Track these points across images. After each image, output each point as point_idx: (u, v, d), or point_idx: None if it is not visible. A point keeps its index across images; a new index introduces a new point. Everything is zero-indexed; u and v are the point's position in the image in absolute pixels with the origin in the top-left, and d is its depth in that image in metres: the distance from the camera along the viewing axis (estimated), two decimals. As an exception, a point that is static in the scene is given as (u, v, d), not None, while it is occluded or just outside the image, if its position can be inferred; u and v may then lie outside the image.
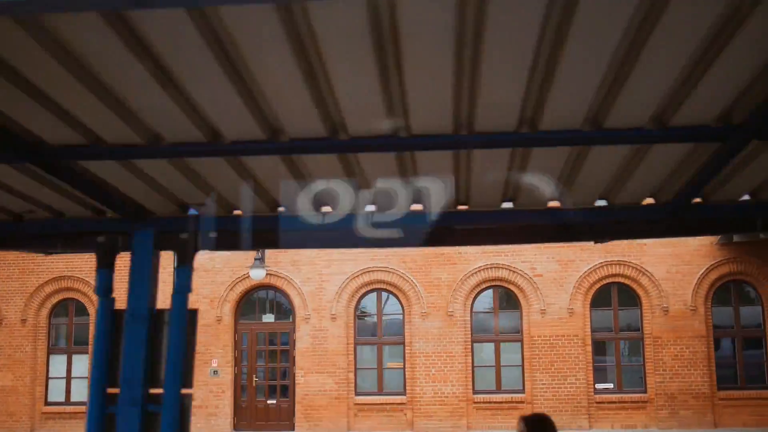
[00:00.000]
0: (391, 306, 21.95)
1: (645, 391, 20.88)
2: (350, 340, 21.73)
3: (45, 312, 22.64)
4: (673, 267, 21.02)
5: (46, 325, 22.65)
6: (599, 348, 21.46)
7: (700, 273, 20.99)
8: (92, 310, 22.31)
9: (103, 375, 5.06)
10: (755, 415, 20.46)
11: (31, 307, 22.49)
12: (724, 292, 21.31)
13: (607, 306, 21.55)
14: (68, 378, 22.49)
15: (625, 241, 20.42)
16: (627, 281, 21.32)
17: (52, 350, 22.70)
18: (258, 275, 21.26)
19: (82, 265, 22.04)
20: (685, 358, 20.81)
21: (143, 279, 4.82)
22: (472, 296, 21.56)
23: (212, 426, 21.48)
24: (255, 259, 21.20)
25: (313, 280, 21.83)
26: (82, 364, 22.22)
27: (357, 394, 21.57)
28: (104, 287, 4.96)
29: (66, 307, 22.82)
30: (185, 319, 4.94)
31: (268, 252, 21.42)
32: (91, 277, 21.09)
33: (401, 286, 21.62)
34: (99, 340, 4.95)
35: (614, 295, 21.52)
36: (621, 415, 20.89)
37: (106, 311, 4.97)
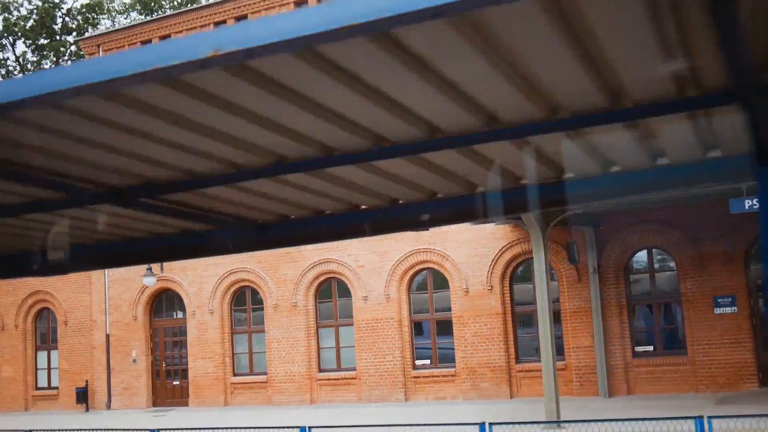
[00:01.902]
0: (257, 300, 25.85)
1: (454, 366, 22.86)
2: (226, 330, 26.01)
3: (30, 318, 29.49)
4: (472, 250, 22.68)
5: (32, 329, 29.50)
6: (418, 328, 23.72)
7: (494, 255, 22.46)
8: (59, 316, 28.73)
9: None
10: (563, 384, 21.62)
11: (20, 315, 29.43)
12: (525, 271, 22.54)
13: (424, 290, 23.72)
14: (49, 369, 29.15)
15: (432, 230, 22.48)
16: (436, 266, 23.34)
17: (38, 348, 29.51)
18: (150, 282, 26.22)
19: (54, 282, 28.34)
20: (483, 334, 22.48)
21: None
22: (314, 288, 24.81)
23: (135, 402, 26.93)
24: (146, 269, 26.16)
25: (196, 282, 26.38)
26: (54, 358, 28.77)
27: (234, 375, 25.83)
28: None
29: (44, 314, 29.49)
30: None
31: (155, 265, 26.27)
32: (57, 291, 27.43)
33: (258, 282, 25.47)
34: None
35: (429, 280, 23.63)
36: (435, 388, 23.09)
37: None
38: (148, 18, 40.33)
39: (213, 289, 26.05)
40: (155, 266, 26.22)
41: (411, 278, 23.74)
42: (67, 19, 52.35)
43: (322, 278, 24.78)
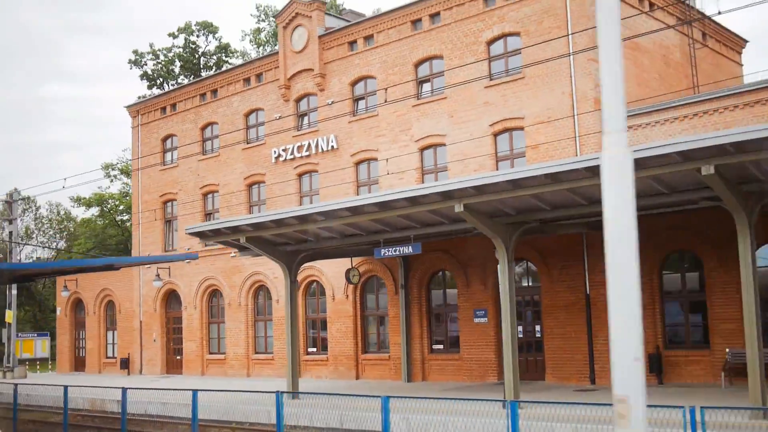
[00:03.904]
0: (220, 299, 35.25)
1: (327, 354, 30.83)
2: (204, 321, 35.76)
3: (102, 307, 41.17)
4: (336, 268, 30.31)
5: (104, 315, 41.18)
6: (311, 324, 31.87)
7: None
8: (116, 306, 40.07)
9: None
10: (387, 371, 28.96)
11: (96, 305, 41.21)
12: (370, 285, 29.93)
13: (314, 296, 31.80)
14: (113, 343, 40.66)
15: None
16: (318, 279, 31.27)
17: (107, 329, 41.17)
18: (157, 284, 36.61)
19: (115, 281, 39.64)
20: (342, 331, 30.25)
21: None
22: (252, 291, 33.73)
23: (154, 370, 37.58)
24: (156, 275, 36.52)
25: (187, 285, 36.35)
26: (115, 336, 40.22)
27: (209, 353, 35.55)
28: None
29: (110, 305, 41.00)
30: None
31: (163, 271, 36.56)
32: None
33: (220, 286, 34.87)
34: None
35: (317, 289, 31.62)
36: (316, 369, 31.20)
37: None
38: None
39: (195, 290, 35.89)
40: (163, 272, 36.59)
41: (306, 287, 31.91)
42: (203, 59, 64.76)
43: (256, 285, 33.65)
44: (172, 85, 61.52)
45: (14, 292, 41.15)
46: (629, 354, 5.17)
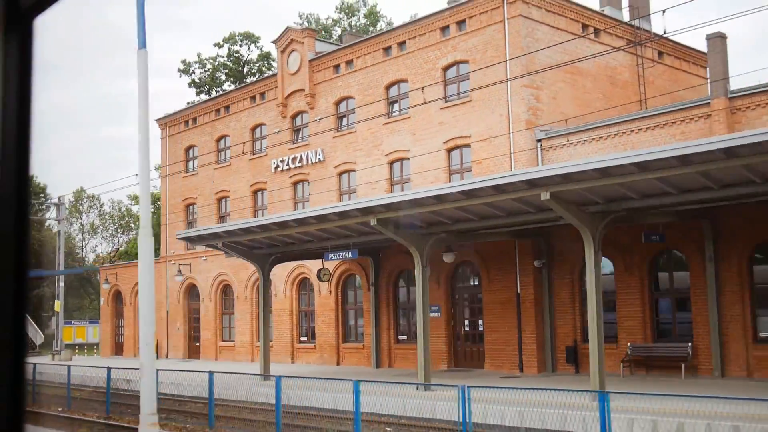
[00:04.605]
0: (231, 293, 39.59)
1: (315, 342, 34.83)
2: (219, 312, 40.23)
3: (134, 297, 46.11)
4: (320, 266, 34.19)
5: (138, 305, 46.14)
6: (303, 316, 35.90)
7: (332, 271, 33.94)
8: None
9: None
10: (362, 358, 32.72)
11: (132, 296, 46.22)
12: (351, 282, 33.75)
13: (305, 291, 35.79)
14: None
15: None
16: (307, 275, 35.25)
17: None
18: (179, 279, 41.26)
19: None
20: (326, 323, 34.21)
21: None
22: (255, 287, 37.95)
23: (178, 355, 42.31)
24: (177, 271, 41.15)
25: (204, 279, 40.86)
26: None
27: (222, 340, 40.03)
28: None
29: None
30: None
31: (184, 267, 41.15)
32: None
33: (230, 281, 39.24)
34: None
35: (307, 285, 35.63)
36: (307, 355, 35.24)
37: None
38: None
39: (211, 285, 40.39)
40: (184, 269, 41.24)
41: (300, 283, 35.96)
42: (247, 67, 69.59)
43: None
44: (217, 91, 66.52)
45: (62, 284, 46.53)
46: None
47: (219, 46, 68.94)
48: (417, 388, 22.53)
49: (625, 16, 33.31)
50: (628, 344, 24.81)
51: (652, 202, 19.49)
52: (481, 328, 28.99)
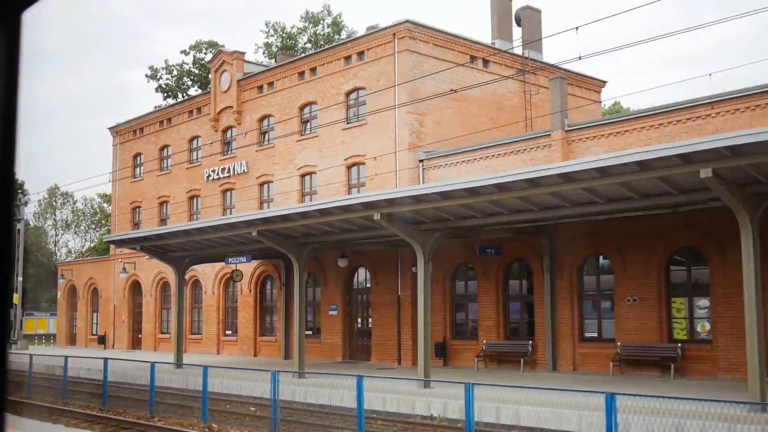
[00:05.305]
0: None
1: (237, 335, 38.51)
2: (158, 306, 43.87)
3: (90, 293, 49.80)
4: (246, 268, 37.87)
5: (91, 300, 49.80)
6: (230, 312, 39.60)
7: (251, 271, 37.60)
8: (99, 292, 48.64)
9: None
10: (275, 350, 36.41)
11: (86, 291, 49.85)
12: (270, 281, 37.46)
13: (230, 289, 39.48)
14: (96, 323, 49.29)
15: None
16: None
17: (94, 310, 49.78)
18: (123, 276, 44.89)
19: (97, 272, 48.19)
20: (246, 318, 37.88)
21: None
22: (222, 281, 41.63)
23: (123, 346, 45.95)
24: (122, 269, 44.77)
25: (147, 277, 44.48)
26: (96, 317, 48.84)
27: (161, 333, 43.67)
28: None
29: (96, 291, 49.59)
30: None
31: (129, 265, 44.79)
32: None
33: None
34: None
35: (232, 284, 39.31)
36: (230, 347, 38.90)
37: None
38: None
39: (152, 282, 44.07)
40: (129, 266, 44.91)
41: (225, 282, 39.63)
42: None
43: (192, 279, 41.53)
44: (184, 96, 70.07)
45: (20, 278, 50.16)
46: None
47: (185, 53, 72.51)
48: (293, 376, 26.19)
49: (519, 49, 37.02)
50: (484, 341, 28.55)
51: (490, 220, 23.03)
52: (370, 325, 32.72)
